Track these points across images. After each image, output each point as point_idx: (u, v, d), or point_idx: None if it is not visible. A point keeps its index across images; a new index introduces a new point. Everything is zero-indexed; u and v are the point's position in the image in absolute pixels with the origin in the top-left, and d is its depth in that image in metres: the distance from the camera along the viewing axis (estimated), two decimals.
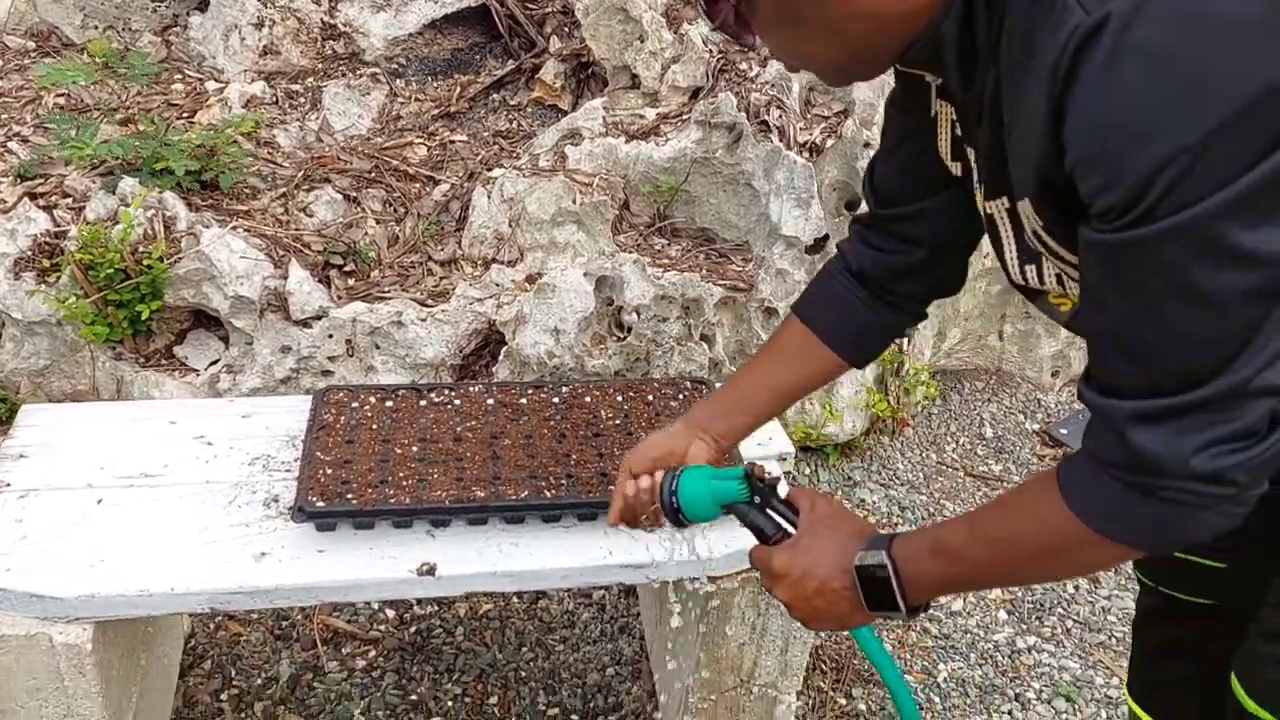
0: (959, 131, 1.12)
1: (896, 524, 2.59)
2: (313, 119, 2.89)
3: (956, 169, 1.17)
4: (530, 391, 1.91)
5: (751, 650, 1.80)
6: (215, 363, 2.39)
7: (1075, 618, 2.39)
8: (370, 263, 2.51)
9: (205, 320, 2.43)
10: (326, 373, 2.37)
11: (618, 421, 1.85)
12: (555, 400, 1.89)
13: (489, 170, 2.72)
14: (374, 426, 1.79)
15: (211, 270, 2.28)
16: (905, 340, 2.73)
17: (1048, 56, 0.82)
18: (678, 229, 2.60)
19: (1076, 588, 2.48)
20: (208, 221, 2.37)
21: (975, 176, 1.10)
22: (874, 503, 2.65)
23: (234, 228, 2.38)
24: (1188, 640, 1.48)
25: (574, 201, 2.47)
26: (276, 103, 2.92)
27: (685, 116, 2.61)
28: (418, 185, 2.75)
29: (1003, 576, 1.17)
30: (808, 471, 2.72)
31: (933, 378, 2.87)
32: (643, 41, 2.72)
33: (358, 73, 3.03)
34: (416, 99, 3.04)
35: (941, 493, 2.72)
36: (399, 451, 1.73)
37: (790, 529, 1.20)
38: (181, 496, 1.68)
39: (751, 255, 2.54)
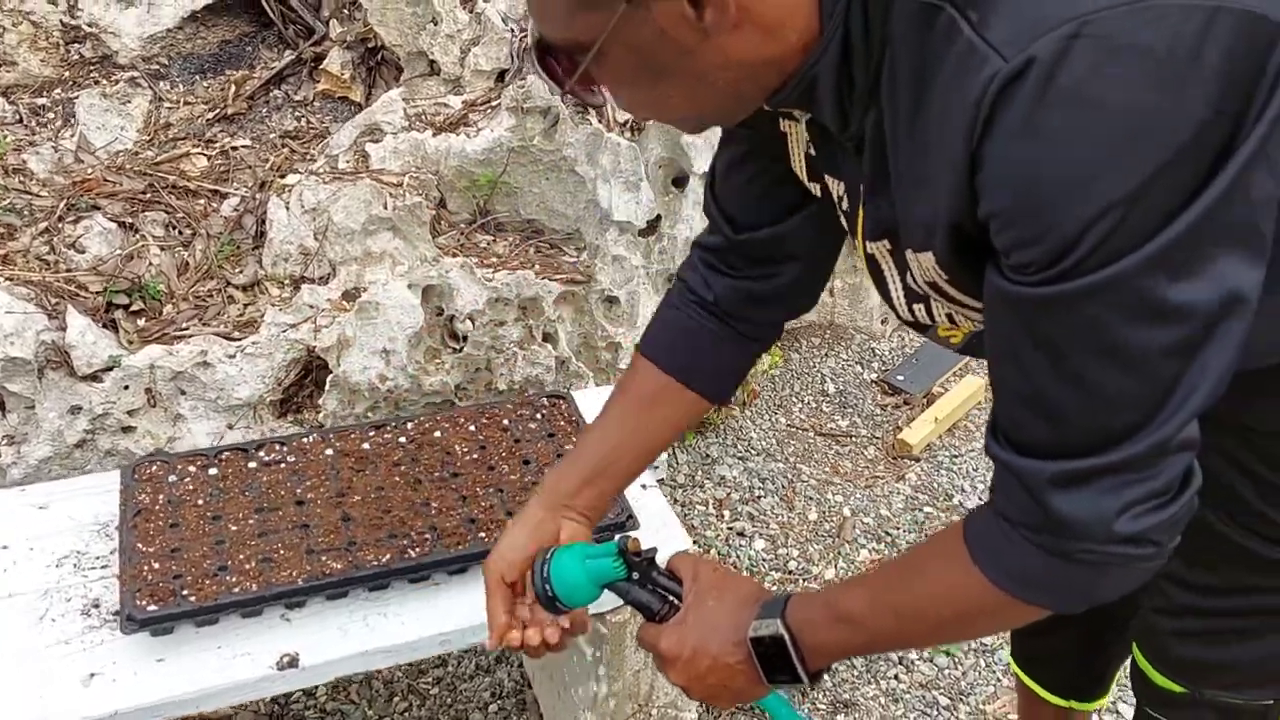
0: (813, 152, 1.04)
1: (759, 496, 2.56)
2: (67, 136, 2.55)
3: (815, 189, 1.08)
4: (372, 434, 1.74)
5: (648, 674, 1.71)
6: None
7: None
8: (160, 298, 2.24)
9: None
10: (128, 429, 2.10)
11: (474, 455, 1.70)
12: (402, 440, 1.73)
13: (282, 177, 2.48)
14: (199, 502, 1.58)
15: None
16: None
17: (957, 105, 0.74)
18: (502, 224, 2.44)
19: None
20: None
21: (843, 207, 1.03)
22: (734, 478, 2.61)
23: None
24: (1070, 618, 1.49)
25: (385, 206, 2.27)
26: (21, 121, 2.56)
27: (494, 103, 2.44)
28: (202, 202, 2.47)
29: (912, 641, 1.12)
30: (664, 456, 2.64)
31: (781, 349, 2.84)
32: (436, 24, 2.52)
33: (113, 78, 2.69)
34: (186, 102, 2.73)
35: (797, 456, 2.71)
36: (234, 529, 1.53)
37: (676, 601, 1.12)
38: None
39: (584, 244, 2.41)
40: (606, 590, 1.15)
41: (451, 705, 2.03)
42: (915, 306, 1.00)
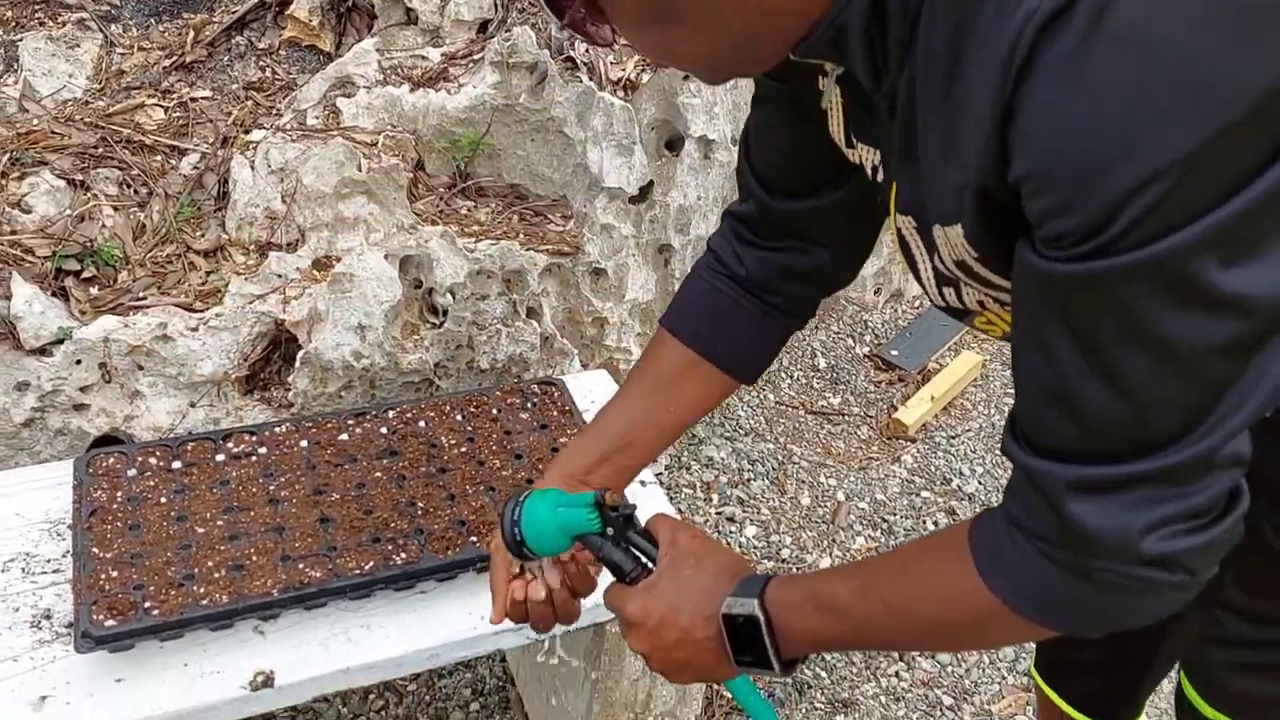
0: (848, 119, 0.93)
1: (748, 479, 2.45)
2: (10, 83, 2.35)
3: (853, 157, 0.97)
4: (351, 423, 1.60)
5: (645, 682, 1.60)
6: None
7: None
8: (115, 263, 2.06)
9: None
10: (80, 407, 1.95)
11: (463, 449, 1.58)
12: (384, 431, 1.59)
13: (246, 133, 2.30)
14: (162, 500, 1.44)
15: None
16: None
17: (992, 48, 0.63)
18: (484, 188, 2.28)
19: None
20: None
21: (876, 178, 0.93)
22: (722, 459, 2.50)
23: None
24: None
25: (359, 168, 2.11)
26: None
27: (477, 56, 2.28)
28: (159, 158, 2.29)
29: (896, 642, 1.02)
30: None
31: None
32: None
33: (59, 19, 2.49)
34: (140, 48, 2.53)
35: (787, 436, 2.60)
36: (201, 531, 1.40)
37: (650, 564, 1.03)
38: None
39: (571, 211, 2.27)
40: (576, 542, 1.06)
41: (430, 703, 1.92)
42: (945, 290, 0.90)
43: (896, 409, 2.67)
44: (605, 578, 1.07)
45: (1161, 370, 0.67)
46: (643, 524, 1.06)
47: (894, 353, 2.86)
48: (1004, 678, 2.02)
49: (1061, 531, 0.73)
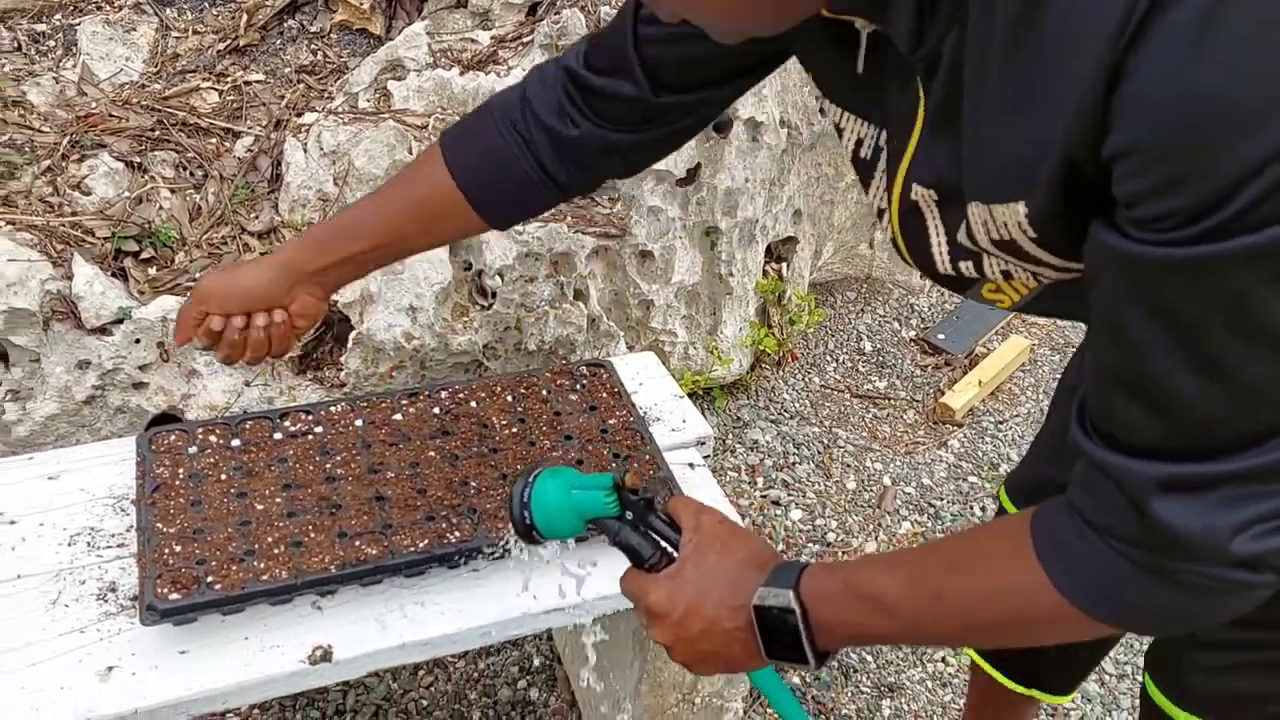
0: (834, 85, 0.90)
1: (794, 463, 2.45)
2: (69, 67, 2.40)
3: (835, 114, 0.94)
4: (404, 403, 1.62)
5: None
6: None
7: None
8: (172, 244, 2.11)
9: None
10: (139, 385, 1.99)
11: (514, 429, 1.59)
12: (436, 411, 1.61)
13: (299, 116, 2.33)
14: (222, 478, 1.47)
15: None
16: (784, 266, 2.55)
17: (1094, 9, 0.59)
18: None
19: None
20: None
21: (862, 154, 0.89)
22: (767, 442, 2.50)
23: None
24: None
25: (410, 150, 2.13)
26: (20, 49, 2.40)
27: (526, 39, 2.29)
28: (214, 141, 2.32)
29: (942, 637, 0.98)
30: (710, 433, 2.54)
31: (817, 305, 2.71)
32: None
33: (116, 4, 2.53)
34: (195, 31, 2.57)
35: (832, 420, 2.60)
36: (260, 508, 1.42)
37: (672, 550, 0.99)
38: None
39: (618, 194, 2.27)
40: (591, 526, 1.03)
41: (478, 680, 1.95)
42: (963, 264, 0.85)
43: (943, 393, 2.66)
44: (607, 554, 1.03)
45: (1265, 361, 0.63)
46: (661, 506, 1.02)
47: (941, 336, 2.85)
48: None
49: (1144, 531, 0.69)
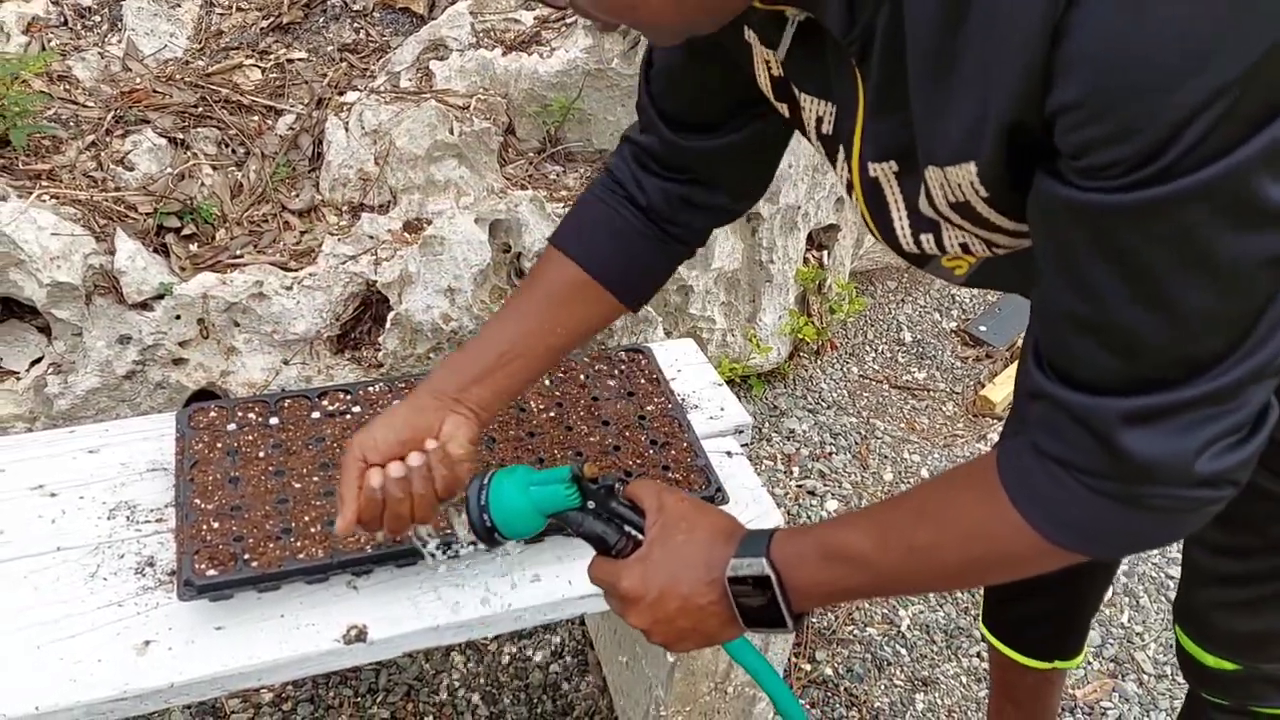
0: (777, 73, 0.92)
1: (830, 453, 2.43)
2: (114, 42, 2.40)
3: (784, 109, 0.96)
4: None
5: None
6: (38, 361, 1.99)
7: None
8: (213, 221, 2.11)
9: (18, 309, 2.01)
10: (179, 361, 2.00)
11: (551, 414, 1.58)
12: None
13: (340, 95, 2.33)
14: (260, 455, 1.47)
15: (18, 254, 1.86)
16: (826, 254, 2.52)
17: None
18: (573, 154, 2.28)
19: None
20: (3, 191, 1.93)
21: (823, 130, 0.90)
22: (804, 432, 2.48)
23: (39, 196, 1.94)
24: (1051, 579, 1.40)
25: (451, 131, 2.12)
26: (66, 24, 2.41)
27: (569, 21, 2.27)
28: (256, 118, 2.33)
29: (916, 585, 1.01)
30: (748, 421, 2.52)
31: (857, 294, 2.68)
32: None
33: None
34: (239, 8, 2.57)
35: (869, 410, 2.57)
36: (298, 486, 1.42)
37: (638, 534, 0.99)
38: (27, 574, 1.34)
39: None
40: (552, 521, 1.03)
41: (510, 664, 1.95)
42: (923, 237, 0.88)
43: (984, 386, 2.62)
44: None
45: (1210, 291, 0.66)
46: (621, 492, 1.02)
47: (982, 328, 2.81)
48: (1089, 663, 1.98)
49: (1112, 463, 0.72)
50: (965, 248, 0.86)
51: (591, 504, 1.00)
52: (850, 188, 0.92)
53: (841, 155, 0.91)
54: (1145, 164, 0.61)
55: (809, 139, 0.96)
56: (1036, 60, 0.63)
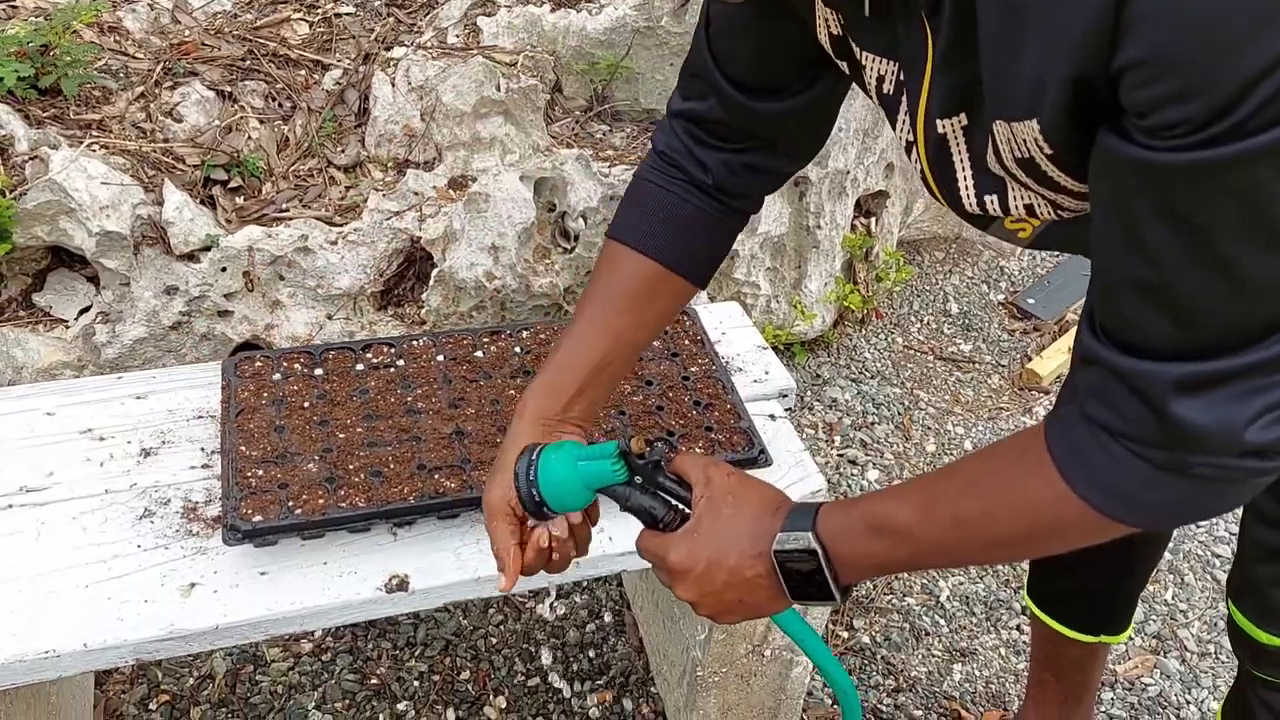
0: (837, 31, 0.91)
1: (872, 423, 2.41)
2: None
3: (844, 67, 0.95)
4: (486, 340, 1.61)
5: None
6: (87, 310, 2.01)
7: None
8: (260, 174, 2.11)
9: (67, 258, 2.03)
10: (224, 313, 2.01)
11: None
12: (517, 350, 1.60)
13: (387, 50, 2.32)
14: (305, 405, 1.47)
15: (68, 202, 1.87)
16: (874, 221, 2.48)
17: None
18: (619, 113, 2.26)
19: None
20: (54, 140, 1.94)
21: (884, 89, 0.90)
22: (846, 401, 2.46)
23: (90, 146, 1.95)
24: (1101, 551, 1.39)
25: (498, 88, 2.10)
26: None
27: None
28: (303, 72, 2.33)
29: (964, 558, 1.01)
30: (791, 386, 2.50)
31: (905, 263, 2.64)
32: None
33: None
34: None
35: (913, 381, 2.54)
36: (342, 436, 1.43)
37: (685, 508, 1.00)
38: (76, 515, 1.36)
39: None
40: (600, 496, 1.03)
41: (548, 622, 1.95)
42: (987, 198, 0.87)
43: (1030, 359, 2.58)
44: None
45: (1273, 257, 0.65)
46: (668, 466, 1.02)
47: (1030, 301, 2.76)
48: (1131, 639, 1.96)
49: (1162, 431, 0.72)
50: (1030, 209, 0.85)
51: (638, 478, 1.01)
52: (910, 148, 0.91)
53: (904, 114, 0.90)
54: (1212, 123, 0.60)
55: (871, 97, 0.95)
56: (1105, 16, 0.62)
